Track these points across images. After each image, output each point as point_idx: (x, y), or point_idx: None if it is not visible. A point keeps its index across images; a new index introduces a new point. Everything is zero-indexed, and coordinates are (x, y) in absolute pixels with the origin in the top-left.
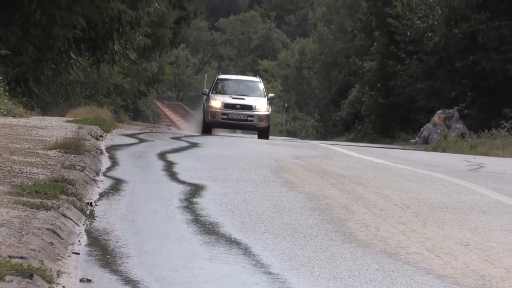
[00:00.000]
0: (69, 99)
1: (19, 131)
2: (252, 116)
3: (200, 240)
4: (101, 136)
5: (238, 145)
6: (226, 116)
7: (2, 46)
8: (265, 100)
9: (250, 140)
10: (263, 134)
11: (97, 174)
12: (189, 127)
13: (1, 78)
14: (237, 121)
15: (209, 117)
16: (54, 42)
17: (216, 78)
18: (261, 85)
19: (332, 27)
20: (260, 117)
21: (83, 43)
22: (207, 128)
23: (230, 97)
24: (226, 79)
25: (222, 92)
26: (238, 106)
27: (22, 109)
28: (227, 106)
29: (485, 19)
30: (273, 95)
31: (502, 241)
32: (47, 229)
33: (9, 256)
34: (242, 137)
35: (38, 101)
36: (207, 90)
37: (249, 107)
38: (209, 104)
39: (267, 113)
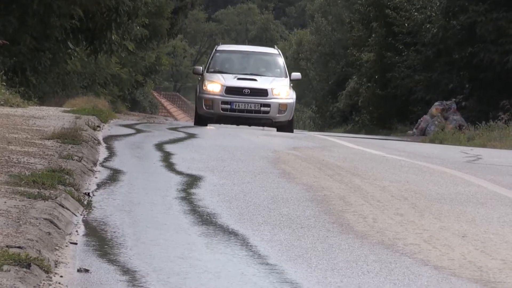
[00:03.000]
0: (66, 89)
1: (16, 121)
2: (267, 105)
3: (197, 231)
4: (98, 126)
5: (235, 136)
6: (228, 106)
7: None
8: (286, 81)
9: (247, 131)
10: (285, 131)
11: (95, 164)
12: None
13: None
14: (245, 113)
15: (204, 107)
16: (52, 32)
17: (214, 50)
18: (280, 60)
19: (329, 18)
20: (280, 107)
21: (80, 33)
22: (201, 123)
23: (235, 77)
24: (228, 51)
25: (223, 70)
26: (247, 91)
27: (20, 99)
28: (230, 90)
29: (483, 10)
30: (298, 74)
31: (500, 233)
32: (45, 219)
33: (7, 246)
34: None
35: (36, 91)
36: (201, 68)
37: (263, 92)
38: (204, 88)
39: (290, 100)
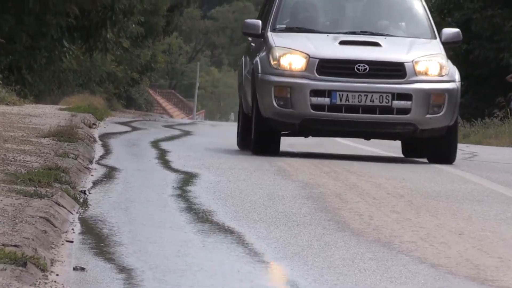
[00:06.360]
0: (62, 87)
1: (12, 119)
2: (406, 96)
3: (193, 229)
4: (94, 124)
5: (230, 133)
6: (326, 100)
7: None
8: (437, 45)
9: None
10: (438, 150)
11: (91, 162)
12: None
13: None
14: (361, 114)
15: (274, 103)
16: (47, 30)
17: None
18: (419, 5)
19: None
20: (433, 99)
21: (76, 31)
22: (266, 137)
23: (335, 39)
24: None
25: (306, 26)
26: (363, 68)
27: (15, 97)
28: (327, 67)
29: (478, 7)
30: (456, 30)
31: (496, 230)
32: (41, 217)
33: (3, 245)
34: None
35: (31, 89)
36: (259, 23)
37: (397, 69)
38: (272, 62)
39: (452, 84)
